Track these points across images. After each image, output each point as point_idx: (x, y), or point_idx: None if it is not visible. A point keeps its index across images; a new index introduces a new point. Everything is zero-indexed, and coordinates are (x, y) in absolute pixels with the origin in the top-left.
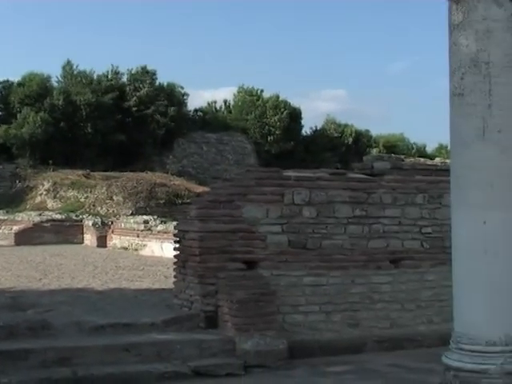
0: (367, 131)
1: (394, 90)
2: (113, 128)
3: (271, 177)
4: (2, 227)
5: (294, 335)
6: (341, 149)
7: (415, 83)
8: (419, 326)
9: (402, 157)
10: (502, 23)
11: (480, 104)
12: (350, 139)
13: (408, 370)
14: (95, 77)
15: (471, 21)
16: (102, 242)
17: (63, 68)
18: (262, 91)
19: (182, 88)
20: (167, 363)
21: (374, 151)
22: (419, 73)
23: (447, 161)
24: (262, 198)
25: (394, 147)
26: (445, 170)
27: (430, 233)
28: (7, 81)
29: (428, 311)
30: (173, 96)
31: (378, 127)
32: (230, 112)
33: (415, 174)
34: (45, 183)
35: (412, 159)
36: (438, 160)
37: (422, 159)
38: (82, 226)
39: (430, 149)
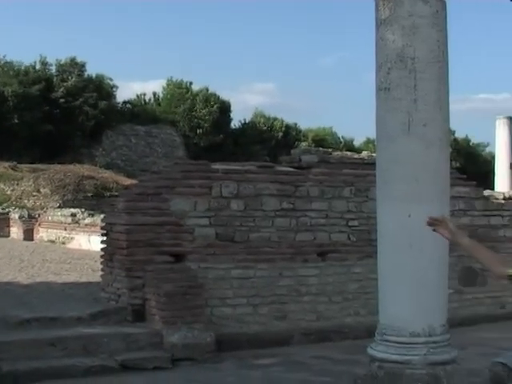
0: (296, 125)
1: (323, 84)
2: (40, 119)
3: (199, 169)
4: None
5: (222, 328)
6: (270, 142)
7: (344, 77)
8: (346, 318)
9: (330, 150)
10: (427, 19)
11: (405, 99)
12: (280, 133)
13: (334, 361)
14: (23, 67)
15: (397, 17)
16: (28, 235)
17: None
18: (190, 84)
19: (111, 80)
20: (94, 357)
21: (303, 145)
22: (348, 67)
23: (374, 155)
24: (190, 190)
25: (323, 141)
26: (372, 164)
27: (356, 226)
28: None
29: (355, 303)
30: (101, 88)
31: (308, 121)
32: (159, 104)
33: (342, 168)
34: None
35: (339, 153)
36: (365, 154)
37: (349, 153)
38: (9, 218)
39: (358, 143)
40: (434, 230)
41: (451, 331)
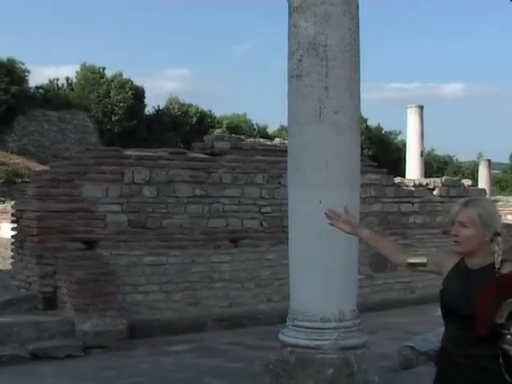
0: (211, 112)
1: (237, 71)
2: None
3: (111, 156)
4: None
5: (134, 315)
6: (184, 128)
7: (259, 64)
8: (258, 304)
9: (243, 137)
10: (339, 7)
11: (317, 86)
12: (194, 119)
13: (247, 347)
14: None
15: (310, 4)
16: None
17: None
18: (104, 69)
19: (23, 64)
20: (4, 346)
21: (217, 132)
22: (263, 54)
23: (287, 141)
24: (102, 177)
25: (237, 128)
26: (284, 151)
27: (269, 212)
28: None
29: (267, 290)
30: (13, 72)
31: (222, 108)
32: (73, 90)
33: (255, 154)
34: None
35: (252, 139)
36: (277, 141)
37: (262, 140)
38: None
39: (271, 130)
40: (332, 225)
41: (362, 316)
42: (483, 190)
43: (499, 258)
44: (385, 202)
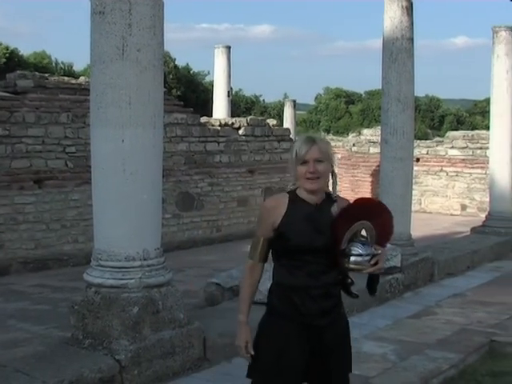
0: (17, 50)
1: (46, 9)
2: None
3: None
4: None
5: None
6: None
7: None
8: (64, 245)
9: (47, 75)
10: None
11: (120, 23)
12: (3, 59)
13: (54, 289)
14: None
15: None
16: None
17: None
18: None
19: None
20: None
21: (22, 71)
22: None
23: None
24: None
25: (43, 67)
26: (89, 90)
27: (74, 152)
28: None
29: (73, 231)
30: None
31: (30, 46)
32: None
33: (59, 93)
34: None
35: (56, 78)
36: (82, 79)
37: (66, 78)
38: None
39: (78, 68)
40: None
41: (170, 255)
42: (288, 130)
43: (337, 188)
44: (191, 141)
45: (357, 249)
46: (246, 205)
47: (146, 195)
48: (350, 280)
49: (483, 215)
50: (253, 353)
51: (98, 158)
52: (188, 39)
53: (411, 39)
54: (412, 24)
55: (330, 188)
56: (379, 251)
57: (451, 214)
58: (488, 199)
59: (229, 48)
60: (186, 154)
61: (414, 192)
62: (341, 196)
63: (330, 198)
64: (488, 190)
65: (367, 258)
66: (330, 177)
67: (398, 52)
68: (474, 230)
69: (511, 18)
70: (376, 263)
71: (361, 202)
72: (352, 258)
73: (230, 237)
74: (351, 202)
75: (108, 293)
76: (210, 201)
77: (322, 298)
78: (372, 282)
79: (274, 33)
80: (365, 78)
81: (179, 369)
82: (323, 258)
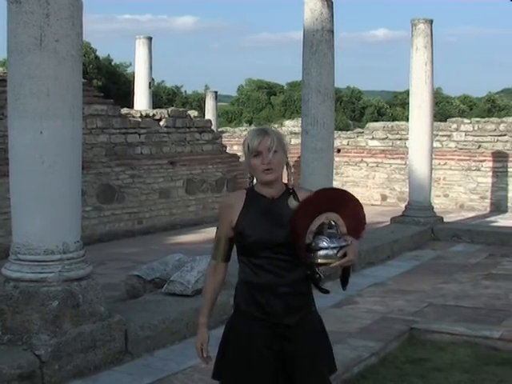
0: None
1: None
2: None
3: None
4: None
5: None
6: None
7: None
8: None
9: None
10: None
11: (38, 12)
12: None
13: None
14: None
15: None
16: None
17: None
18: None
19: None
20: None
21: None
22: None
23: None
24: None
25: None
26: (6, 81)
27: None
28: None
29: None
30: None
31: None
32: None
33: None
34: None
35: None
36: (0, 70)
37: None
38: None
39: None
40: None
41: (91, 247)
42: (209, 121)
43: (292, 180)
44: (112, 132)
45: (323, 242)
46: (167, 197)
47: (65, 187)
48: (318, 275)
49: (403, 205)
50: (207, 355)
51: (16, 149)
52: (110, 30)
53: (331, 31)
54: (332, 16)
55: (285, 180)
56: (348, 242)
57: (372, 205)
58: (408, 189)
59: (150, 39)
60: (106, 146)
61: (334, 183)
62: (303, 187)
63: (288, 191)
64: (407, 180)
65: (334, 250)
66: (285, 168)
67: (319, 43)
68: (393, 219)
69: (430, 11)
70: (345, 255)
71: (323, 193)
72: (318, 252)
73: (151, 229)
74: (312, 193)
75: (27, 287)
76: (132, 193)
77: (288, 295)
78: (343, 275)
79: (197, 24)
80: (287, 69)
81: (100, 363)
82: (287, 254)
